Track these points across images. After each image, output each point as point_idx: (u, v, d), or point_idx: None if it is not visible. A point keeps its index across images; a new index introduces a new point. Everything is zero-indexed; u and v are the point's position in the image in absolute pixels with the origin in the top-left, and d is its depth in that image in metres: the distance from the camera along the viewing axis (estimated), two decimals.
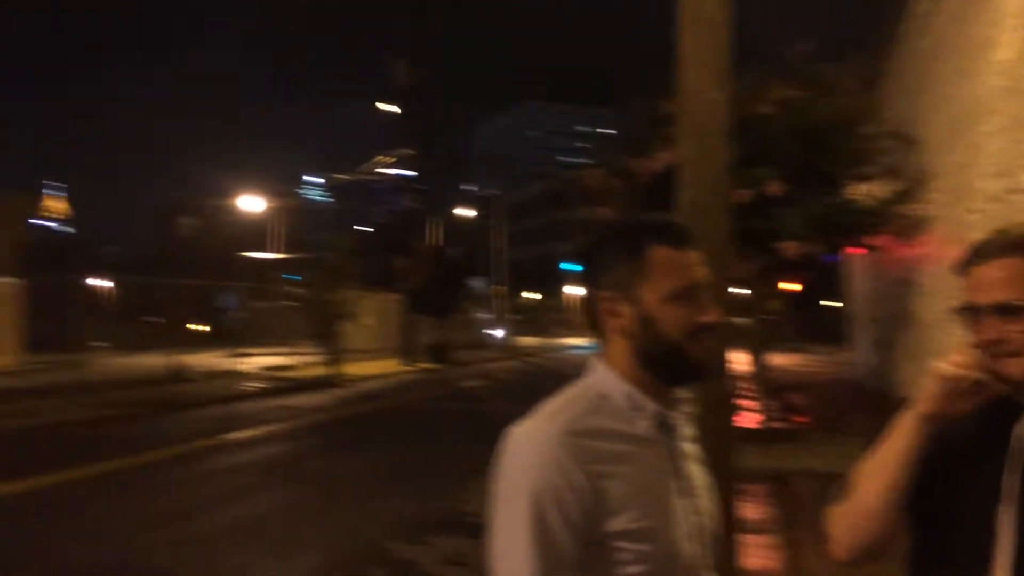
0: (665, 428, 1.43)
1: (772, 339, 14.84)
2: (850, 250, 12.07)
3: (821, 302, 35.95)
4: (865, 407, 12.28)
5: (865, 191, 10.22)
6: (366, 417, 15.94)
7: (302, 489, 9.09)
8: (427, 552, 6.59)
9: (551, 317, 72.30)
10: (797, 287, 14.26)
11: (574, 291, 68.22)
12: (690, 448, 1.51)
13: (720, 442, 4.03)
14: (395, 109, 29.67)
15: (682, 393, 1.49)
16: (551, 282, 70.77)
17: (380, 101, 29.38)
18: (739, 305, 12.37)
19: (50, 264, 35.90)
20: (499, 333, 48.93)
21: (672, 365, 1.41)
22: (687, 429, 1.51)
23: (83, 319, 22.16)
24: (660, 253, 1.41)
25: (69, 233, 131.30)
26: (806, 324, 33.63)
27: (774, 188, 9.07)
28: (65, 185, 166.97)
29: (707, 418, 3.99)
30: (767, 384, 11.40)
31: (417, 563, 6.32)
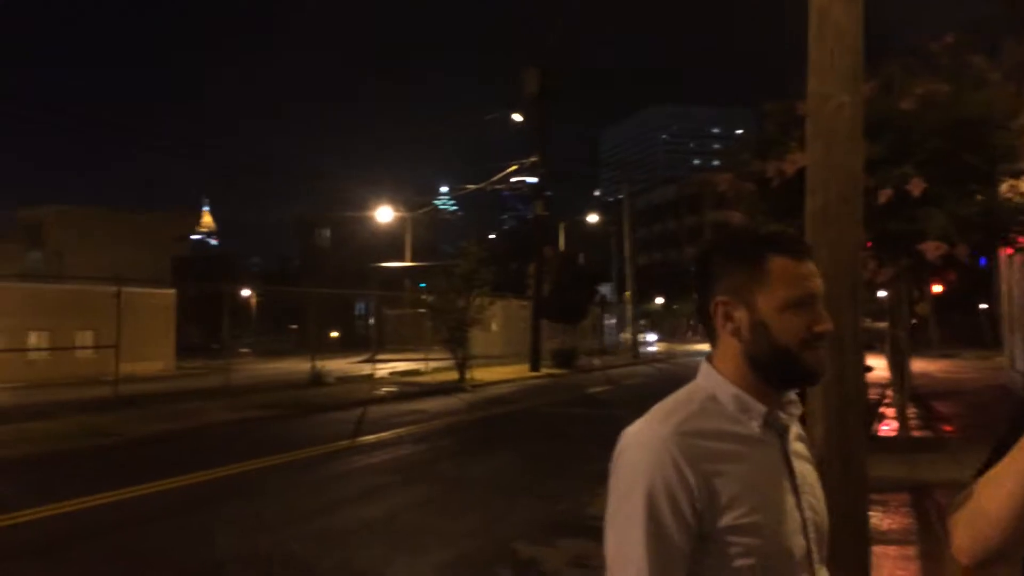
0: (775, 428, 1.49)
1: (916, 344, 14.19)
2: (1003, 250, 11.43)
3: (979, 305, 33.85)
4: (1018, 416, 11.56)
5: (1018, 188, 9.65)
6: (493, 421, 16.25)
7: (432, 489, 9.42)
8: (552, 553, 6.72)
9: (679, 322, 71.27)
10: (940, 289, 13.62)
11: None
12: (799, 447, 1.56)
13: (849, 450, 3.96)
14: (519, 118, 29.86)
15: (790, 395, 1.54)
16: (679, 287, 69.70)
17: (510, 110, 29.58)
18: (878, 310, 11.93)
19: (199, 275, 38.48)
20: (650, 338, 48.84)
21: (783, 370, 1.47)
22: (795, 429, 1.56)
23: (229, 327, 23.43)
24: (778, 263, 1.48)
25: (214, 246, 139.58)
26: (955, 328, 31.83)
27: (916, 187, 8.71)
28: (207, 199, 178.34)
29: (835, 426, 3.96)
30: (909, 391, 10.92)
31: (541, 563, 6.47)
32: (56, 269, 39.78)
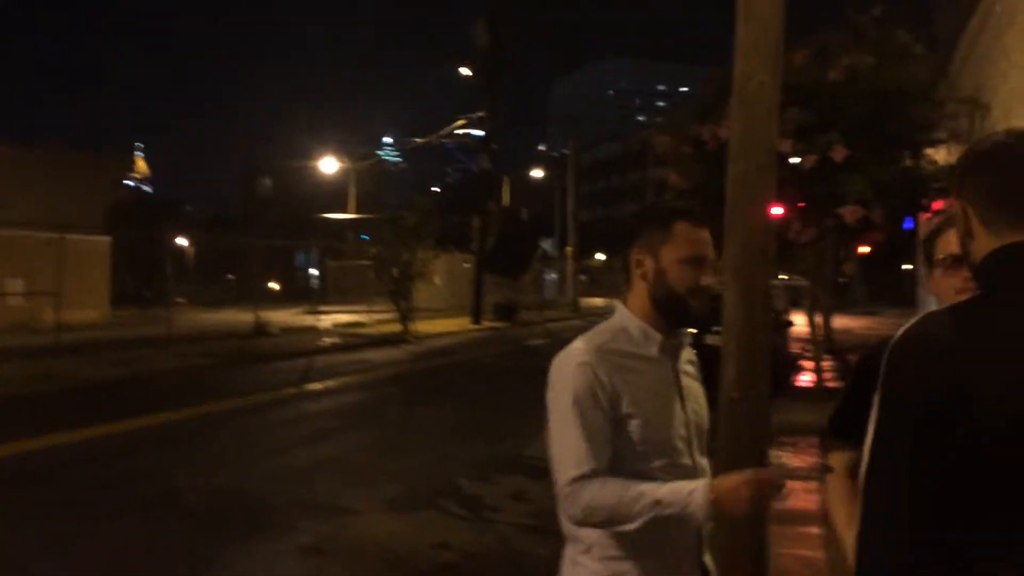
0: (668, 353, 2.04)
1: (842, 302, 15.01)
2: (921, 215, 12.20)
3: (903, 266, 35.54)
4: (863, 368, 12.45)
5: (934, 156, 10.37)
6: (436, 371, 16.81)
7: (379, 432, 9.95)
8: (493, 488, 7.33)
9: (619, 277, 72.09)
10: (868, 250, 14.43)
11: None
12: (688, 368, 2.12)
13: (757, 390, 4.54)
14: (468, 72, 29.93)
15: (683, 331, 2.08)
16: (621, 243, 70.59)
17: (458, 62, 29.57)
18: (807, 268, 12.70)
19: (134, 222, 37.94)
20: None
21: (674, 310, 2.01)
22: (686, 355, 2.12)
23: (165, 275, 23.23)
24: (681, 227, 2.00)
25: (148, 192, 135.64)
26: (881, 287, 33.23)
27: (838, 153, 9.35)
28: (142, 145, 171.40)
29: (745, 368, 4.58)
30: (827, 345, 11.74)
31: (484, 497, 7.07)
32: None
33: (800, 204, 9.81)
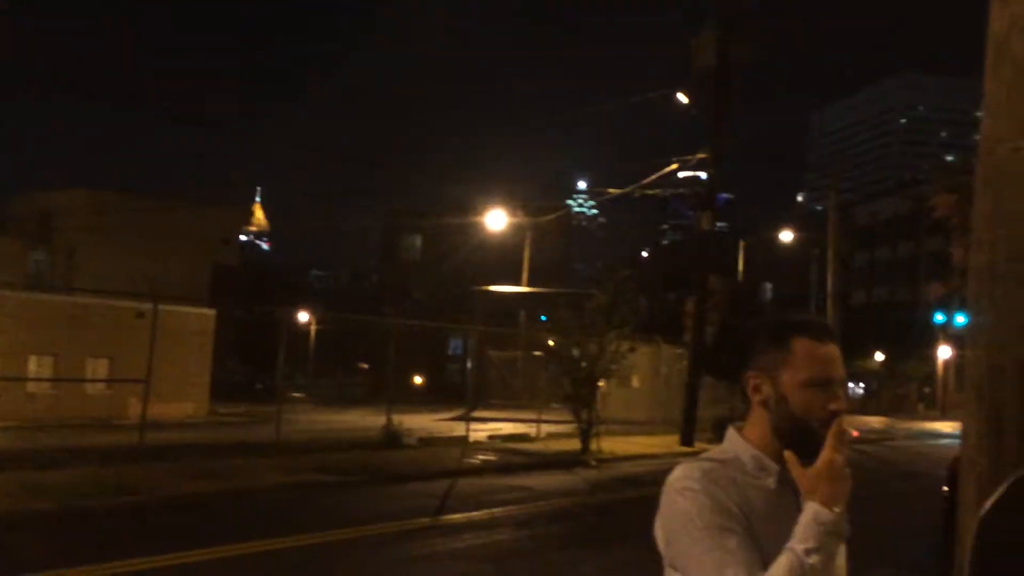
0: (790, 486, 2.41)
1: None
2: None
3: None
4: None
5: None
6: (620, 507, 17.05)
7: None
8: None
9: (910, 389, 69.42)
10: None
11: (948, 353, 65.18)
12: None
13: None
14: (684, 99, 30.44)
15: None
16: (909, 338, 68.22)
17: (675, 90, 29.64)
18: None
19: (247, 291, 40.68)
20: None
21: (800, 441, 2.40)
22: None
23: (280, 362, 24.81)
24: (801, 344, 2.43)
25: (265, 251, 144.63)
26: None
27: None
28: (258, 189, 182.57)
29: None
30: None
31: None
32: (64, 274, 42.56)
33: None
